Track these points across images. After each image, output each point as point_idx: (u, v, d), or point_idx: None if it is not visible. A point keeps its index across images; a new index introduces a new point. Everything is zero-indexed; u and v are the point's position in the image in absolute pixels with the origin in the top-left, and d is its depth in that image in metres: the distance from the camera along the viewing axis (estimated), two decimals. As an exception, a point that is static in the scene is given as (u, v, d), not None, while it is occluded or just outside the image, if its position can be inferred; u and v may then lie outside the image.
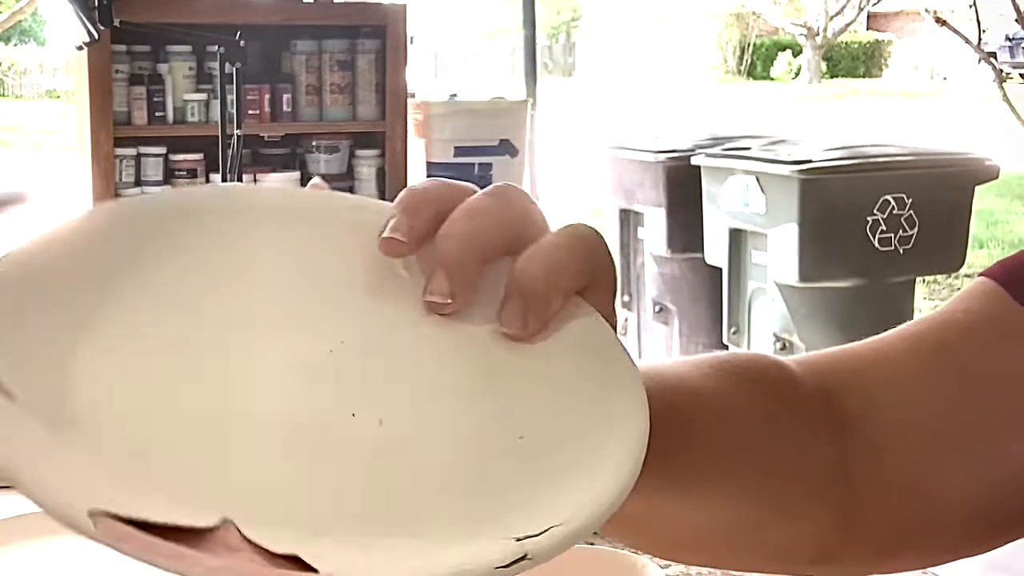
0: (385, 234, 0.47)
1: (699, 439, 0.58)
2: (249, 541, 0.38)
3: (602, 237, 0.49)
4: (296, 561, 0.38)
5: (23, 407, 0.40)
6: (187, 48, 3.76)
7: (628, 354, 0.47)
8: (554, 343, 0.47)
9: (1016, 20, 5.71)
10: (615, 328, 0.50)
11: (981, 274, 0.65)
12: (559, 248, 0.47)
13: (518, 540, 0.39)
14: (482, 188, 0.50)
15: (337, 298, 0.49)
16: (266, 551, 0.38)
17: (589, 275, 0.48)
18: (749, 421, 0.60)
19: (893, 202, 4.62)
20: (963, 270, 4.94)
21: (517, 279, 0.46)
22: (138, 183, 3.75)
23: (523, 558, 0.39)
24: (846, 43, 23.43)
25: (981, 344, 0.63)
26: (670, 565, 1.02)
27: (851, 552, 0.64)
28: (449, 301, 0.46)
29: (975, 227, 5.91)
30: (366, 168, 3.99)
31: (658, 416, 0.51)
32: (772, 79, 22.90)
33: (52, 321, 0.44)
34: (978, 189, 4.76)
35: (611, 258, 0.49)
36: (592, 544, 1.05)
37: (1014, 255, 0.66)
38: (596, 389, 0.46)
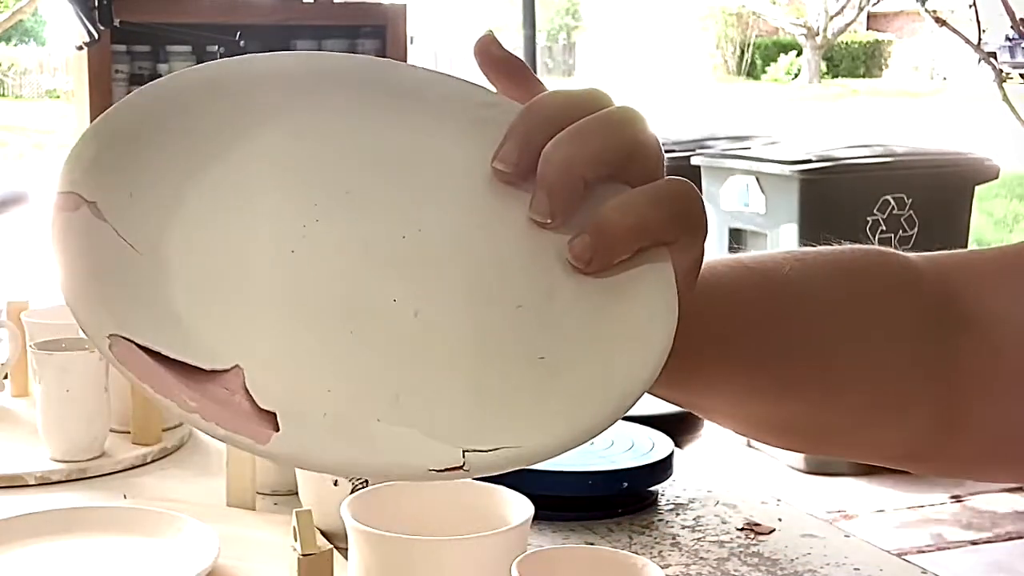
0: (495, 164, 0.50)
1: (797, 335, 0.58)
2: (247, 390, 0.43)
3: (699, 196, 0.50)
4: (273, 420, 0.42)
5: (112, 229, 0.46)
6: (187, 48, 3.75)
7: (674, 311, 0.48)
8: (616, 282, 0.49)
9: (1011, 27, 5.71)
10: (693, 279, 0.51)
11: None
12: (651, 202, 0.49)
13: (464, 452, 0.42)
14: None
15: (445, 185, 0.52)
16: (254, 403, 0.42)
17: (675, 233, 0.49)
18: (853, 319, 0.60)
19: (893, 202, 4.62)
20: (963, 270, 4.92)
21: (598, 220, 0.48)
22: (138, 183, 3.74)
23: (459, 467, 0.42)
24: (846, 43, 23.42)
25: None
26: (670, 565, 1.02)
27: (943, 456, 0.64)
28: (549, 220, 0.49)
29: (978, 227, 5.90)
30: (366, 168, 3.98)
31: (746, 309, 0.53)
32: (772, 79, 22.88)
33: (170, 160, 0.49)
34: (979, 189, 4.76)
35: (704, 218, 0.51)
36: (592, 544, 1.05)
37: None
38: (624, 337, 0.48)
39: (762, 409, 0.60)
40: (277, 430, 0.42)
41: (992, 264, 0.64)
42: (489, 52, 0.54)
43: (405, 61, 4.03)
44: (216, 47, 3.34)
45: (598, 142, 0.49)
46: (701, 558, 1.04)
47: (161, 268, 0.46)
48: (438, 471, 0.42)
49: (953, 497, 3.41)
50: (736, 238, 4.74)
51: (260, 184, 0.50)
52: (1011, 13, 5.55)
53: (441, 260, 0.49)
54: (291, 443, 0.42)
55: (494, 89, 0.55)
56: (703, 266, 0.53)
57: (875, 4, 21.32)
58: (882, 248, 0.63)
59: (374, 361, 0.46)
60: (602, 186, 0.49)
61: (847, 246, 0.63)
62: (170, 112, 0.51)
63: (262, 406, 0.42)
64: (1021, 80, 13.69)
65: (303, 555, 0.84)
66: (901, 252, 0.63)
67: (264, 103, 0.52)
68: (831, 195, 4.48)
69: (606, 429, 0.45)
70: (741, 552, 1.05)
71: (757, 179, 4.62)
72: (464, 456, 0.42)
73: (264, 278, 0.47)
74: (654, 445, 1.17)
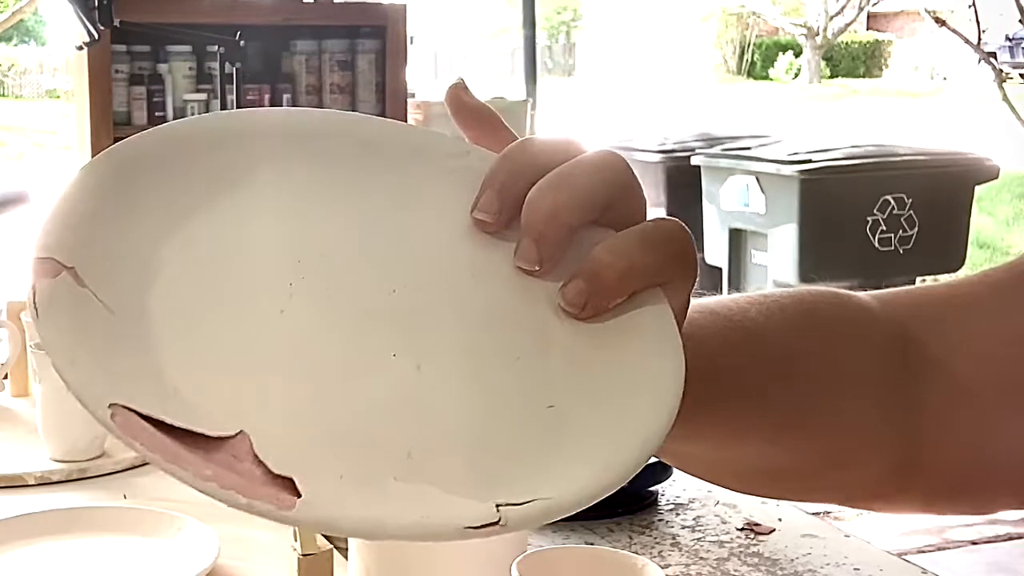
0: (475, 214, 0.49)
1: (759, 384, 0.58)
2: (256, 457, 0.41)
3: (690, 236, 0.49)
4: (290, 485, 0.40)
5: (93, 296, 0.44)
6: (187, 48, 3.76)
7: (681, 351, 0.47)
8: (614, 325, 0.48)
9: (1020, 21, 5.72)
10: (682, 321, 0.50)
11: None
12: (643, 244, 0.48)
13: (498, 506, 0.41)
14: None
15: (425, 237, 0.50)
16: (267, 470, 0.41)
17: (668, 274, 0.49)
18: (815, 366, 0.60)
19: (893, 202, 4.62)
20: (963, 270, 4.93)
21: (590, 265, 0.47)
22: (138, 183, 3.75)
23: (495, 523, 0.40)
24: (846, 43, 23.41)
25: None
26: (670, 565, 1.03)
27: (906, 495, 0.64)
28: (536, 268, 0.48)
29: (978, 227, 5.90)
30: (366, 168, 3.98)
31: (715, 358, 0.52)
32: (772, 79, 22.89)
33: (146, 220, 0.48)
34: (979, 189, 4.76)
35: (695, 259, 0.50)
36: (592, 544, 1.05)
37: None
38: (635, 379, 0.46)
39: (734, 454, 0.60)
40: (298, 495, 0.40)
41: (944, 301, 0.64)
42: (460, 100, 0.53)
43: (405, 61, 4.04)
44: (216, 47, 3.34)
45: (582, 186, 0.48)
46: (701, 558, 1.04)
47: (148, 332, 0.44)
48: (475, 528, 0.40)
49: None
50: (736, 238, 4.74)
51: (242, 240, 0.49)
52: (1020, 7, 5.56)
53: (434, 313, 0.48)
54: (316, 507, 0.40)
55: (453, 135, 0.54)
56: None
57: (875, 4, 21.32)
58: (837, 290, 0.63)
59: (381, 418, 0.44)
60: (586, 230, 0.48)
61: (804, 288, 0.63)
62: (148, 167, 0.49)
63: (275, 471, 0.41)
64: (1021, 80, 13.69)
65: (303, 555, 0.84)
66: (854, 293, 0.63)
67: (242, 159, 0.51)
68: (831, 195, 4.48)
69: (634, 474, 0.43)
70: (741, 552, 1.05)
71: (757, 179, 4.62)
72: (499, 511, 0.41)
73: (255, 338, 0.46)
74: (654, 445, 1.17)
